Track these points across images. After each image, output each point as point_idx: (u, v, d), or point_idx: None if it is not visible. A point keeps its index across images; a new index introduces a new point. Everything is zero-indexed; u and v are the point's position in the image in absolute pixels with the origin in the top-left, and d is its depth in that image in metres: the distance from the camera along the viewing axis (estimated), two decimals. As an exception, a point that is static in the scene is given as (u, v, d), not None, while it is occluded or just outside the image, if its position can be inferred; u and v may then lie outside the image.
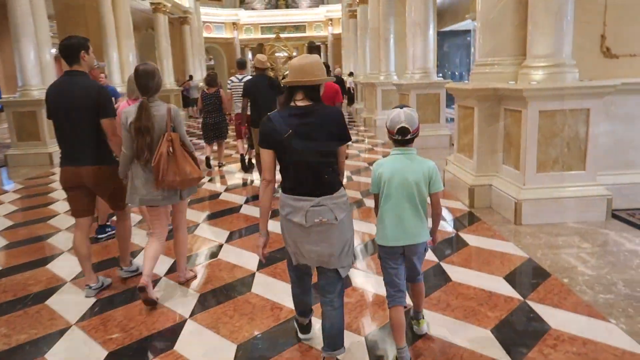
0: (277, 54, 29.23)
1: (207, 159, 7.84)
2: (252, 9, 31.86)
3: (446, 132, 9.08)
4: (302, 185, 2.14)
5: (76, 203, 3.33)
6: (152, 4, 16.13)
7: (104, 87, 3.52)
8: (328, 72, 7.30)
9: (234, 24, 31.01)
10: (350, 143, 3.26)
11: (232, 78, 7.40)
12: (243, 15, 31.23)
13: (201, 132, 8.16)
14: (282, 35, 30.21)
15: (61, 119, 3.17)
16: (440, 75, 19.64)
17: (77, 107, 3.12)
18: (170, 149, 3.00)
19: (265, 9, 32.11)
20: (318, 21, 31.71)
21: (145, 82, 3.01)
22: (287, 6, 32.09)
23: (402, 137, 2.25)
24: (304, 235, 2.16)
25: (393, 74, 12.49)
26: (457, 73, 20.47)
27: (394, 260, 2.33)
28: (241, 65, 7.50)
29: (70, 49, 3.16)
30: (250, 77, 6.61)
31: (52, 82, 3.34)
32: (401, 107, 2.30)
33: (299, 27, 32.29)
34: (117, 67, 12.21)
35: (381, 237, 2.34)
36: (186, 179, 3.05)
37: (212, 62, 29.77)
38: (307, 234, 2.15)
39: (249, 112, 5.94)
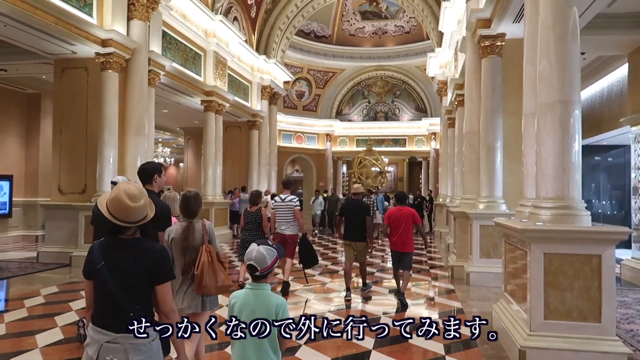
0: (372, 168, 25.81)
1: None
2: (349, 120, 29.47)
3: (621, 347, 3.73)
4: (103, 317, 2.10)
5: None
6: (203, 101, 13.60)
7: (166, 204, 3.83)
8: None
9: (327, 135, 28.70)
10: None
11: (276, 198, 7.49)
12: (338, 127, 28.90)
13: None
14: (380, 149, 26.89)
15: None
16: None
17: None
18: (209, 258, 3.38)
19: (363, 120, 29.54)
20: (420, 135, 28.13)
21: (194, 208, 3.56)
22: (387, 118, 29.21)
23: (251, 272, 2.36)
24: None
25: (500, 202, 7.72)
26: (595, 201, 14.47)
27: None
28: (286, 185, 7.73)
29: (145, 173, 3.74)
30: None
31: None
32: (262, 244, 2.38)
33: (398, 141, 29.00)
34: (112, 170, 9.09)
35: None
36: (223, 285, 3.41)
37: (293, 174, 26.99)
38: None
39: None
